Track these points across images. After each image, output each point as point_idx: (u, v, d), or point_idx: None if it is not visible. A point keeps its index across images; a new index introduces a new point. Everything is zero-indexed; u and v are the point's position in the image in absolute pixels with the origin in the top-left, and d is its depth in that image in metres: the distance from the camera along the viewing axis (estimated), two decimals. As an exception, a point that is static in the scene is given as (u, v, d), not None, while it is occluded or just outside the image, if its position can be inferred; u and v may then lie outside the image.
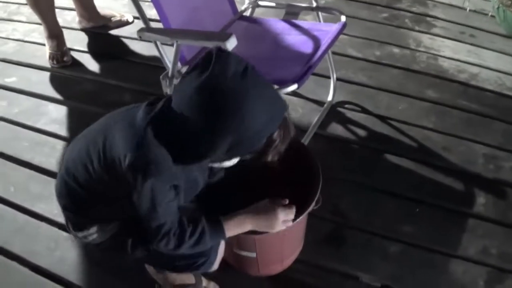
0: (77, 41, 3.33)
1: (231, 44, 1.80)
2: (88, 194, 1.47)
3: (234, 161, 1.40)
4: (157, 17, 2.09)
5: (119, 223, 1.54)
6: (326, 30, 2.32)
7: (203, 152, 1.28)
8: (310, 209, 1.66)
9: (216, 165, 1.43)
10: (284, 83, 1.96)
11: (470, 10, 3.45)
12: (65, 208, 1.56)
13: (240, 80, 1.23)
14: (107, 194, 1.45)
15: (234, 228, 1.53)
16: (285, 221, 1.57)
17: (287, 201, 1.59)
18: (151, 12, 2.16)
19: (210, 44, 1.92)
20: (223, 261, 1.94)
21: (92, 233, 1.55)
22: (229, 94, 1.21)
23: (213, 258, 1.62)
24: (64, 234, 2.14)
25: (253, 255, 1.78)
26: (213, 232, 1.48)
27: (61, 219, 2.15)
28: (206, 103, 1.22)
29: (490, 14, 3.38)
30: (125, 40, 3.34)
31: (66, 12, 3.59)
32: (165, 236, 1.39)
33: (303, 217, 1.64)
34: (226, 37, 1.81)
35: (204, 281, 1.87)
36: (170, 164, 1.32)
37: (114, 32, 3.41)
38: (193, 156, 1.31)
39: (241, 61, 1.27)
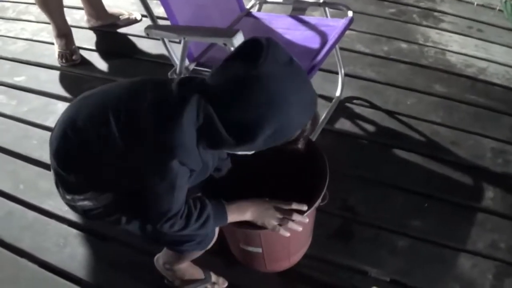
0: (85, 40, 3.35)
1: (237, 40, 1.80)
2: (90, 154, 1.38)
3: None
4: (165, 15, 2.10)
5: (114, 194, 1.46)
6: (333, 25, 2.32)
7: (241, 139, 1.26)
8: (316, 205, 1.66)
9: (241, 153, 1.40)
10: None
11: (477, 5, 3.44)
12: (58, 166, 1.46)
13: (289, 68, 1.24)
14: (110, 160, 1.36)
15: (235, 213, 1.54)
16: (279, 219, 1.57)
17: (292, 205, 1.59)
18: (158, 10, 2.17)
19: (217, 41, 1.94)
20: (231, 257, 1.96)
21: (83, 199, 1.46)
22: (283, 81, 1.21)
23: (209, 239, 1.63)
24: (74, 231, 2.15)
25: (259, 250, 1.78)
26: (216, 216, 1.49)
27: (70, 216, 2.18)
28: (261, 91, 1.20)
29: (497, 8, 3.36)
30: (133, 38, 3.35)
31: (75, 11, 3.62)
32: (172, 218, 1.38)
33: (309, 213, 1.64)
34: (233, 33, 1.82)
35: (213, 277, 1.88)
36: (195, 148, 1.31)
37: (122, 30, 3.43)
38: (229, 142, 1.28)
39: (285, 49, 1.27)
